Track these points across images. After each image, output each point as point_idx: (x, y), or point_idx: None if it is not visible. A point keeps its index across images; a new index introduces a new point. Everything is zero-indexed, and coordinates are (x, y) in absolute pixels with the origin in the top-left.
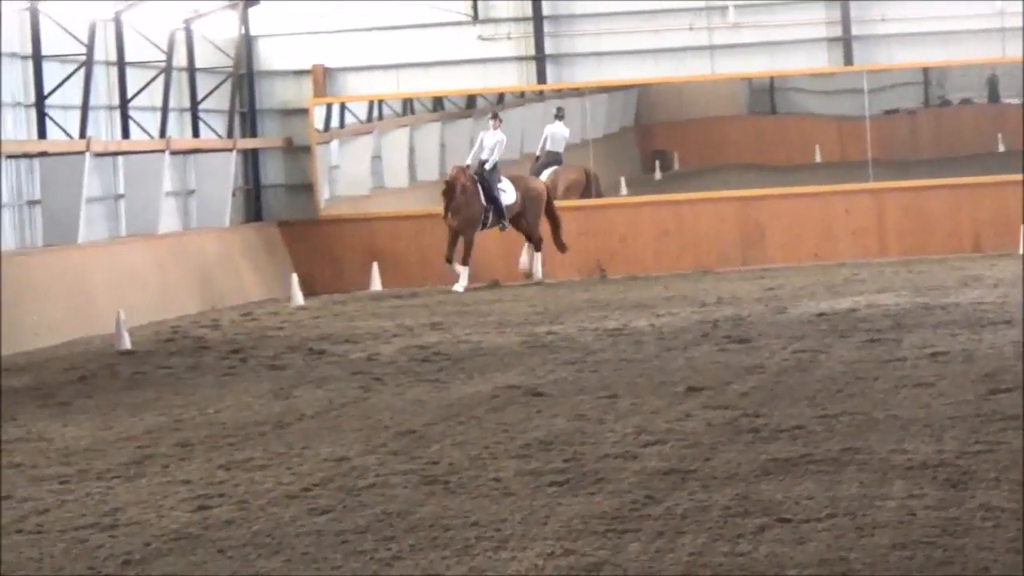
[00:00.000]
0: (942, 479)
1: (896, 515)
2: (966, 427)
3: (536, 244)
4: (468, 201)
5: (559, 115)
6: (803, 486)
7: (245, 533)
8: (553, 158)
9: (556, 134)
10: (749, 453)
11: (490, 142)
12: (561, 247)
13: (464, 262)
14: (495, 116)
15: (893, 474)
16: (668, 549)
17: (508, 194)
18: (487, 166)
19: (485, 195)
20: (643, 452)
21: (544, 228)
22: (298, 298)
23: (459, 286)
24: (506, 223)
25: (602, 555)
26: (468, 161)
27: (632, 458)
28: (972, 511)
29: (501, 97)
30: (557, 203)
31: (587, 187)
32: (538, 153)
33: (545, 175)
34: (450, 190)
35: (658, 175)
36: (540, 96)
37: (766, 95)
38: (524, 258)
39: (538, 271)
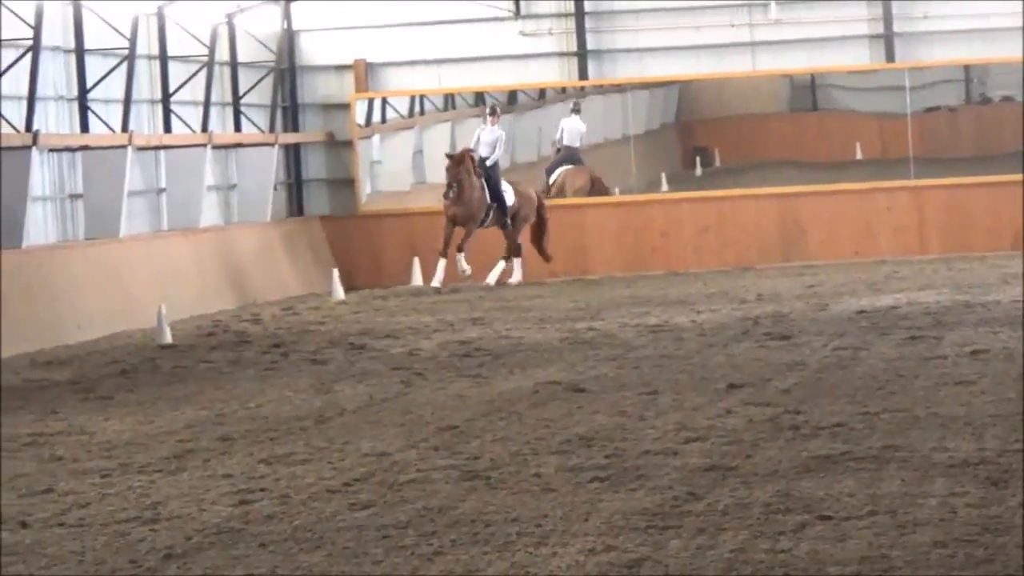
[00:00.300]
0: (983, 477)
1: (937, 513)
2: (1007, 425)
3: (516, 250)
4: (471, 192)
5: (576, 109)
6: (844, 483)
7: (286, 528)
8: (569, 154)
9: (572, 128)
10: (790, 450)
11: (488, 138)
12: (546, 257)
13: (451, 256)
14: (493, 112)
15: (934, 472)
16: (709, 546)
17: (509, 195)
18: (488, 163)
19: (490, 192)
20: (684, 448)
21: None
22: (339, 293)
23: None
24: (510, 223)
25: (643, 551)
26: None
27: (673, 454)
28: (1013, 509)
29: (543, 93)
30: (607, 198)
31: (591, 191)
32: (557, 147)
33: (555, 175)
34: (455, 165)
35: (699, 171)
36: (581, 92)
37: (807, 92)
38: (498, 268)
39: (518, 273)
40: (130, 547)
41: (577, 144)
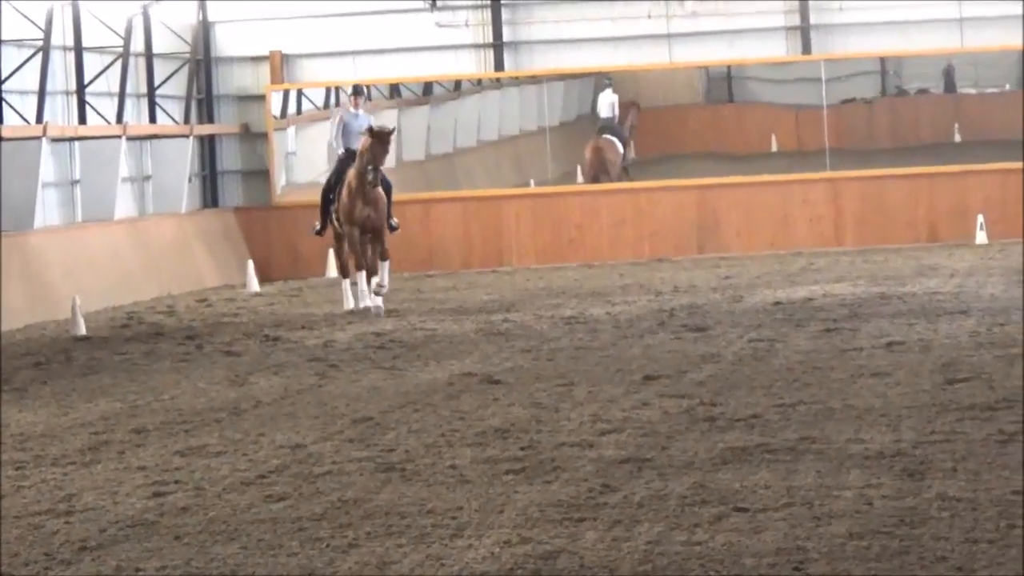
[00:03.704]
0: (899, 469)
1: (853, 504)
2: (923, 417)
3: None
4: (379, 191)
5: (608, 83)
6: (760, 475)
7: (201, 520)
8: (606, 123)
9: (604, 101)
10: (706, 442)
11: (360, 126)
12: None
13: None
14: (359, 92)
15: (850, 463)
16: (625, 538)
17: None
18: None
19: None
20: (600, 440)
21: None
22: (254, 284)
23: (378, 300)
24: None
25: (559, 543)
26: (336, 147)
27: (589, 446)
28: (929, 501)
29: (458, 84)
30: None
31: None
32: (600, 120)
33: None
34: (381, 144)
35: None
36: (497, 83)
37: (724, 84)
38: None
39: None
40: (44, 539)
41: (611, 115)
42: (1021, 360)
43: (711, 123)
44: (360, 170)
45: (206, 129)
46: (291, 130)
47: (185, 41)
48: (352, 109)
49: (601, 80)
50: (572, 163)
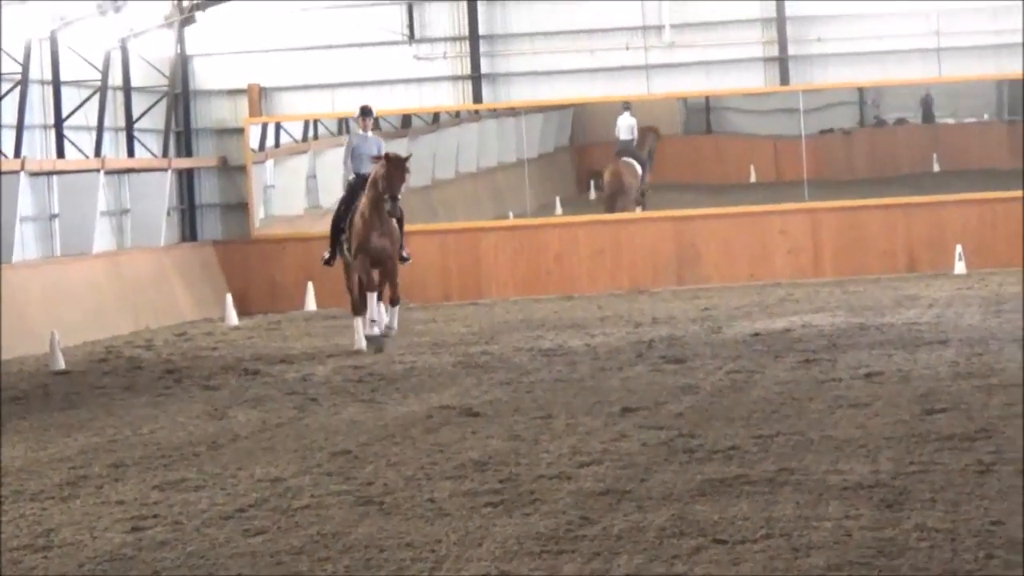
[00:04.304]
0: (877, 500)
1: (832, 536)
2: (901, 448)
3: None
4: (393, 219)
5: (626, 107)
6: (738, 507)
7: (179, 554)
8: (624, 146)
9: (624, 125)
10: (684, 474)
11: (370, 149)
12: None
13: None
14: (367, 113)
15: (828, 495)
16: (604, 570)
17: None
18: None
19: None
20: (578, 473)
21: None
22: (232, 318)
23: (377, 328)
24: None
25: None
26: (347, 171)
27: (567, 479)
28: (907, 532)
29: (437, 116)
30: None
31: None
32: (619, 143)
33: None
34: (398, 171)
35: (593, 195)
36: (476, 115)
37: (702, 115)
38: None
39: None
40: (23, 575)
41: (630, 137)
42: (1000, 390)
43: (689, 154)
44: (373, 198)
45: (184, 162)
46: (269, 163)
47: (163, 74)
48: (360, 131)
49: (620, 104)
50: (551, 195)
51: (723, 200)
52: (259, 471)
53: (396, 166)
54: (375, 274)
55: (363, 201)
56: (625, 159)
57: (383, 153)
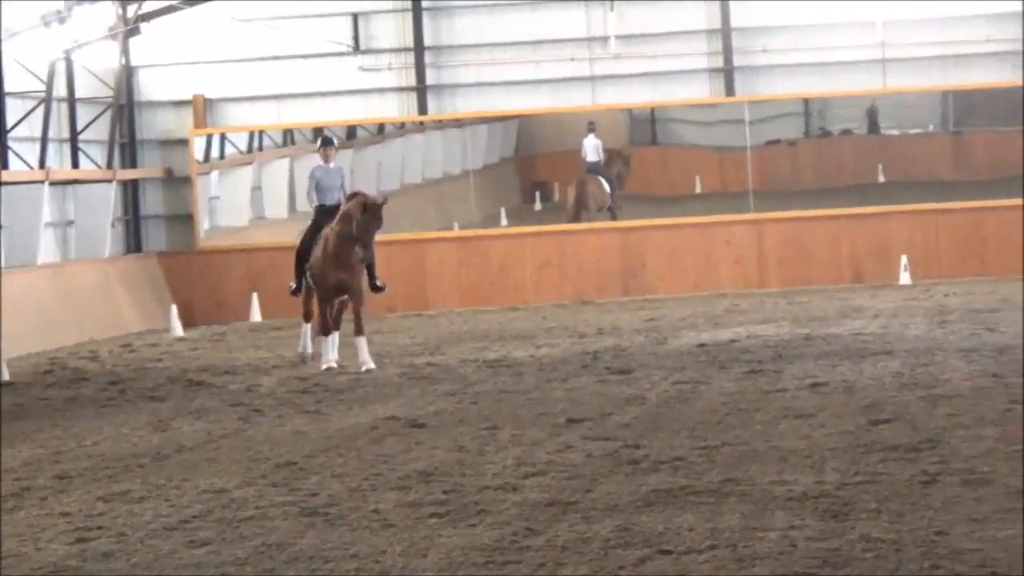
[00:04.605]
0: (823, 510)
1: (777, 546)
2: (846, 458)
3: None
4: (356, 251)
5: (591, 128)
6: (684, 517)
7: (124, 565)
8: (592, 166)
9: (590, 145)
10: (630, 484)
11: (331, 181)
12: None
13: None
14: (328, 143)
15: (774, 505)
16: None
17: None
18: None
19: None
20: (523, 483)
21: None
22: (177, 329)
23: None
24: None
25: None
26: (310, 203)
27: (512, 489)
28: (852, 542)
29: (382, 127)
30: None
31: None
32: (586, 164)
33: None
34: (374, 218)
35: (538, 206)
36: (420, 127)
37: (647, 126)
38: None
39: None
40: None
41: (597, 159)
42: (945, 401)
43: (635, 165)
44: (341, 234)
45: (129, 174)
46: (214, 174)
47: (108, 85)
48: (323, 162)
49: (586, 124)
50: (496, 206)
51: (668, 211)
52: (204, 482)
53: (373, 215)
54: (336, 304)
55: (326, 231)
56: (593, 173)
57: (346, 185)
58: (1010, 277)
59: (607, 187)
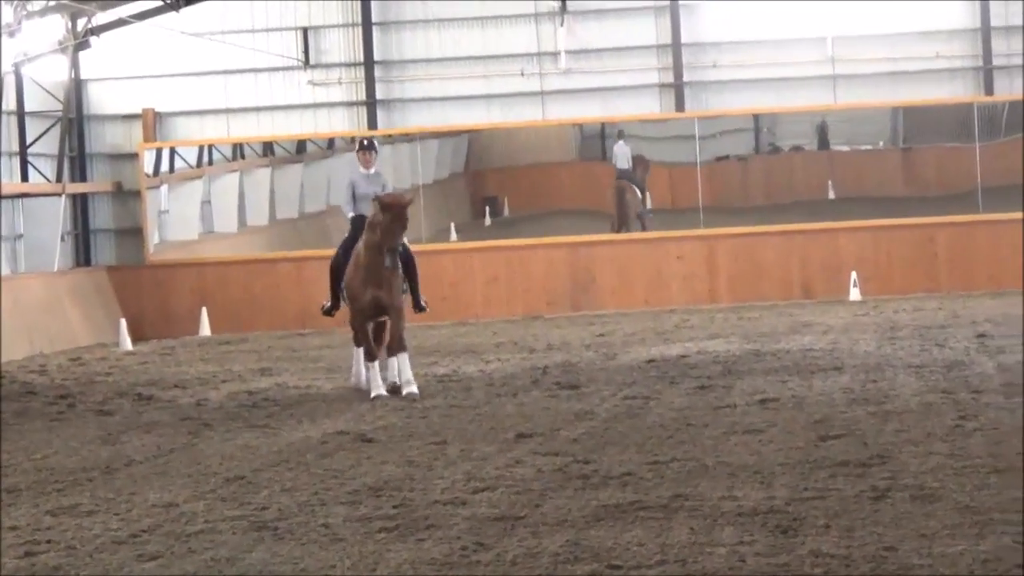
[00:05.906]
0: (772, 526)
1: (726, 562)
2: (796, 473)
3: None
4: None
5: (621, 135)
6: (633, 533)
7: None
8: (623, 174)
9: (620, 153)
10: (579, 500)
11: (371, 188)
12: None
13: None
14: (371, 147)
15: (723, 521)
16: None
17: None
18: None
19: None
20: (473, 498)
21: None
22: (126, 343)
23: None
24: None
25: None
26: (347, 214)
27: (462, 504)
28: (802, 557)
29: (332, 142)
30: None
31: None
32: (618, 172)
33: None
34: (402, 216)
35: (488, 221)
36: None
37: (597, 141)
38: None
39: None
40: None
41: (628, 166)
42: (894, 417)
43: (585, 180)
44: (369, 245)
45: (79, 187)
46: (164, 188)
47: (57, 99)
48: (362, 168)
49: (615, 130)
50: (445, 221)
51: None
52: (153, 496)
53: (396, 217)
54: (372, 327)
55: (359, 245)
56: (625, 182)
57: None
58: (959, 293)
59: (639, 194)
